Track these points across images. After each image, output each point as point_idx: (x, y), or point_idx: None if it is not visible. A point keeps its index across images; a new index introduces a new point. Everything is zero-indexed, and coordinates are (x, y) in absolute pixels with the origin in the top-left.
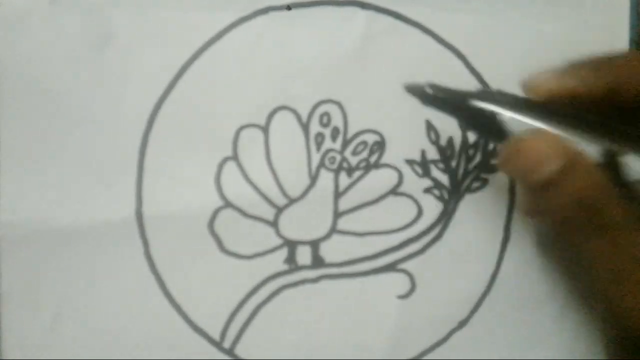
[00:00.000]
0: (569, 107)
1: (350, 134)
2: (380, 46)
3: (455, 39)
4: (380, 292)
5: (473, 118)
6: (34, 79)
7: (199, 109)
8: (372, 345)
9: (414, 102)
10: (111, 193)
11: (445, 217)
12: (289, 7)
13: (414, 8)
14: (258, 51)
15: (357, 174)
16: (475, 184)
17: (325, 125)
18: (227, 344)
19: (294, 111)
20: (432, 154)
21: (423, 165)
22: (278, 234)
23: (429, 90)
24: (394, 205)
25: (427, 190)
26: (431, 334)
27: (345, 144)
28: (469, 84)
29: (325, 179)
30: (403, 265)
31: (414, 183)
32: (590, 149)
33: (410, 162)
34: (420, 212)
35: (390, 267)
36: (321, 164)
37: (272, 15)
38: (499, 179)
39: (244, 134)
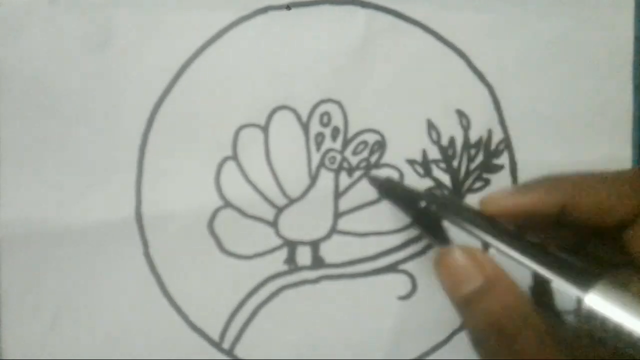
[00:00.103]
0: (514, 227)
1: (350, 134)
2: (380, 45)
3: (456, 38)
4: (380, 293)
5: (421, 217)
6: (34, 79)
7: (198, 109)
8: (373, 346)
9: (415, 102)
10: (111, 193)
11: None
12: (288, 7)
13: (415, 6)
14: (258, 51)
15: (357, 173)
16: (477, 184)
17: (325, 125)
18: (226, 345)
19: (294, 111)
20: (434, 153)
21: (424, 165)
22: (278, 234)
23: (386, 185)
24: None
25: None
26: (432, 335)
27: (346, 143)
28: (470, 83)
29: (326, 178)
30: (404, 266)
31: (415, 183)
32: (522, 271)
33: (411, 162)
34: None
35: (391, 268)
36: (321, 164)
37: (272, 14)
38: (501, 179)
39: (244, 133)
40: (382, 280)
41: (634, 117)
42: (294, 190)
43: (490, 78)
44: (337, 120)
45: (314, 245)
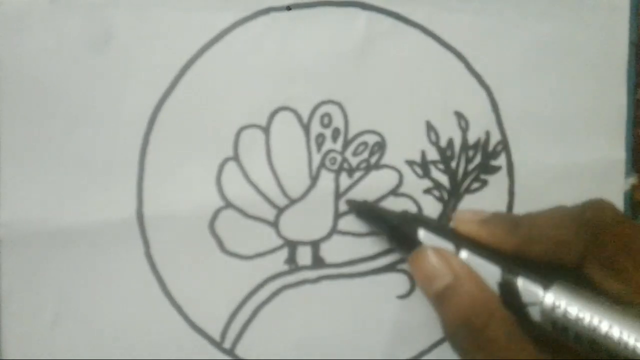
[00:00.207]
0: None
1: (350, 135)
2: (380, 47)
3: (456, 41)
4: (379, 293)
5: (395, 234)
6: (34, 79)
7: (200, 110)
8: (372, 345)
9: (414, 103)
10: (112, 193)
11: (444, 218)
12: (289, 8)
13: (415, 9)
14: (259, 52)
15: (357, 174)
16: (475, 185)
17: (326, 126)
18: (227, 344)
19: (295, 112)
20: (432, 154)
21: (423, 166)
22: (278, 234)
23: (362, 207)
24: (394, 206)
25: (427, 191)
26: (430, 334)
27: (346, 144)
28: (468, 85)
29: (326, 179)
30: (403, 266)
31: (414, 184)
32: (491, 270)
33: (410, 163)
34: (420, 213)
35: (390, 268)
36: (322, 165)
37: (273, 15)
38: (498, 180)
39: (245, 134)
40: (381, 280)
41: (627, 119)
42: (295, 191)
43: (488, 80)
44: (338, 121)
45: (315, 245)
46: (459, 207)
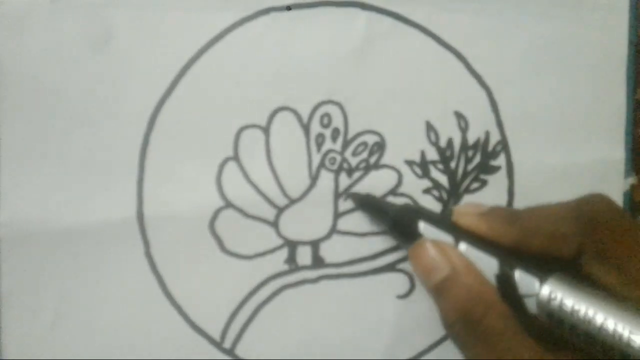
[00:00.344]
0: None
1: (350, 135)
2: (380, 47)
3: (455, 41)
4: (379, 292)
5: (396, 226)
6: (34, 79)
7: (200, 109)
8: (372, 345)
9: (414, 103)
10: (112, 193)
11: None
12: (289, 8)
13: (415, 9)
14: (259, 52)
15: (357, 174)
16: (474, 185)
17: (325, 126)
18: (227, 344)
19: (295, 112)
20: (432, 154)
21: (422, 166)
22: (278, 234)
23: (365, 200)
24: None
25: (427, 191)
26: (430, 334)
27: (346, 144)
28: (468, 85)
29: (326, 179)
30: (402, 266)
31: (414, 184)
32: (489, 262)
33: (409, 163)
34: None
35: (390, 267)
36: (321, 165)
37: (273, 15)
38: (498, 180)
39: (245, 134)
40: (381, 280)
41: (627, 119)
42: (295, 191)
43: (488, 80)
44: (338, 121)
45: (314, 245)
46: None
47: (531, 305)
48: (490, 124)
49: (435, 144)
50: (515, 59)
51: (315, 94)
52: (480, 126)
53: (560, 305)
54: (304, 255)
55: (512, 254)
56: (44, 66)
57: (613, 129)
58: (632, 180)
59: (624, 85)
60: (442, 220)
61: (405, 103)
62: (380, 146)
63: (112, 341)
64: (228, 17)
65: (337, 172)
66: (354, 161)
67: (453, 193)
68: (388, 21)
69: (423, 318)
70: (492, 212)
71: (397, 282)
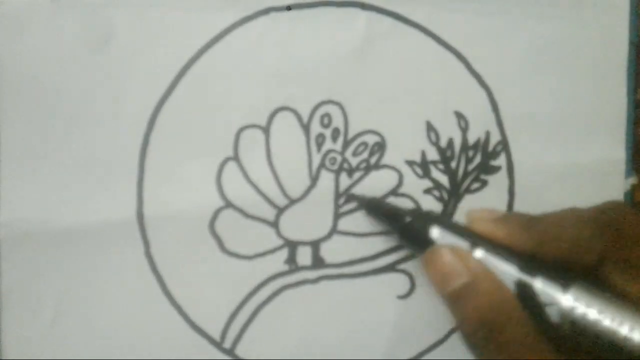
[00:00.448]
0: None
1: (350, 135)
2: (380, 47)
3: (456, 41)
4: (379, 293)
5: (406, 232)
6: (34, 79)
7: (200, 110)
8: (372, 345)
9: (414, 103)
10: (112, 193)
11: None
12: (289, 8)
13: (415, 9)
14: (259, 52)
15: (357, 174)
16: (475, 185)
17: (326, 126)
18: (227, 344)
19: (295, 112)
20: (432, 155)
21: (423, 166)
22: (279, 234)
23: (371, 204)
24: None
25: (427, 191)
26: (430, 334)
27: (346, 144)
28: (468, 85)
29: (326, 179)
30: (402, 266)
31: (414, 184)
32: (508, 270)
33: (410, 163)
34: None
35: (390, 268)
36: (322, 165)
37: (273, 15)
38: (498, 180)
39: (245, 134)
40: (382, 280)
41: (627, 119)
42: (295, 191)
43: (488, 80)
44: (338, 121)
45: (315, 245)
46: (459, 208)
47: (552, 314)
48: (490, 124)
49: (436, 144)
50: (515, 59)
51: (315, 94)
52: (480, 126)
53: (584, 314)
54: (304, 256)
55: (530, 261)
56: (44, 66)
57: (613, 129)
58: (632, 180)
59: (624, 85)
60: (456, 226)
61: (406, 103)
62: (380, 146)
63: (112, 341)
64: (228, 17)
65: (337, 172)
66: (354, 161)
67: (454, 193)
68: (388, 21)
69: (423, 318)
70: (509, 218)
71: (397, 282)
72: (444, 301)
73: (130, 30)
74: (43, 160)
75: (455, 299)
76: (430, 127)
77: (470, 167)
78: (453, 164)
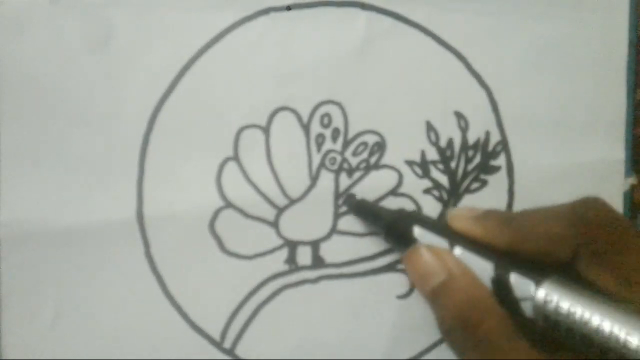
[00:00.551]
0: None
1: (350, 135)
2: (380, 47)
3: (456, 41)
4: (379, 292)
5: (391, 231)
6: (34, 79)
7: (200, 110)
8: (372, 345)
9: (414, 103)
10: (112, 193)
11: (444, 218)
12: (289, 8)
13: (415, 9)
14: (259, 52)
15: (357, 174)
16: (475, 185)
17: (325, 126)
18: (227, 344)
19: (295, 112)
20: (432, 154)
21: (423, 166)
22: (279, 234)
23: (359, 205)
24: (393, 206)
25: (427, 191)
26: (430, 334)
27: (346, 144)
28: (468, 85)
29: (326, 179)
30: (402, 266)
31: (414, 184)
32: (485, 266)
33: (410, 163)
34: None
35: (390, 268)
36: (322, 165)
37: (273, 15)
38: (498, 180)
39: (245, 134)
40: (381, 280)
41: (627, 120)
42: (295, 191)
43: (488, 80)
44: (338, 121)
45: (314, 245)
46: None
47: (527, 309)
48: (490, 124)
49: (436, 144)
50: (515, 59)
51: (315, 94)
52: (480, 126)
53: (556, 308)
54: (304, 256)
55: (507, 257)
56: (43, 66)
57: (613, 129)
58: (632, 180)
59: (624, 85)
60: (437, 225)
61: (405, 103)
62: (380, 146)
63: (112, 341)
64: (228, 17)
65: (337, 172)
66: (354, 161)
67: (453, 193)
68: (388, 21)
69: (423, 318)
70: (487, 215)
71: (397, 282)
72: (424, 300)
73: (130, 30)
74: (43, 160)
75: (434, 297)
76: (430, 127)
77: (470, 167)
78: (453, 164)
